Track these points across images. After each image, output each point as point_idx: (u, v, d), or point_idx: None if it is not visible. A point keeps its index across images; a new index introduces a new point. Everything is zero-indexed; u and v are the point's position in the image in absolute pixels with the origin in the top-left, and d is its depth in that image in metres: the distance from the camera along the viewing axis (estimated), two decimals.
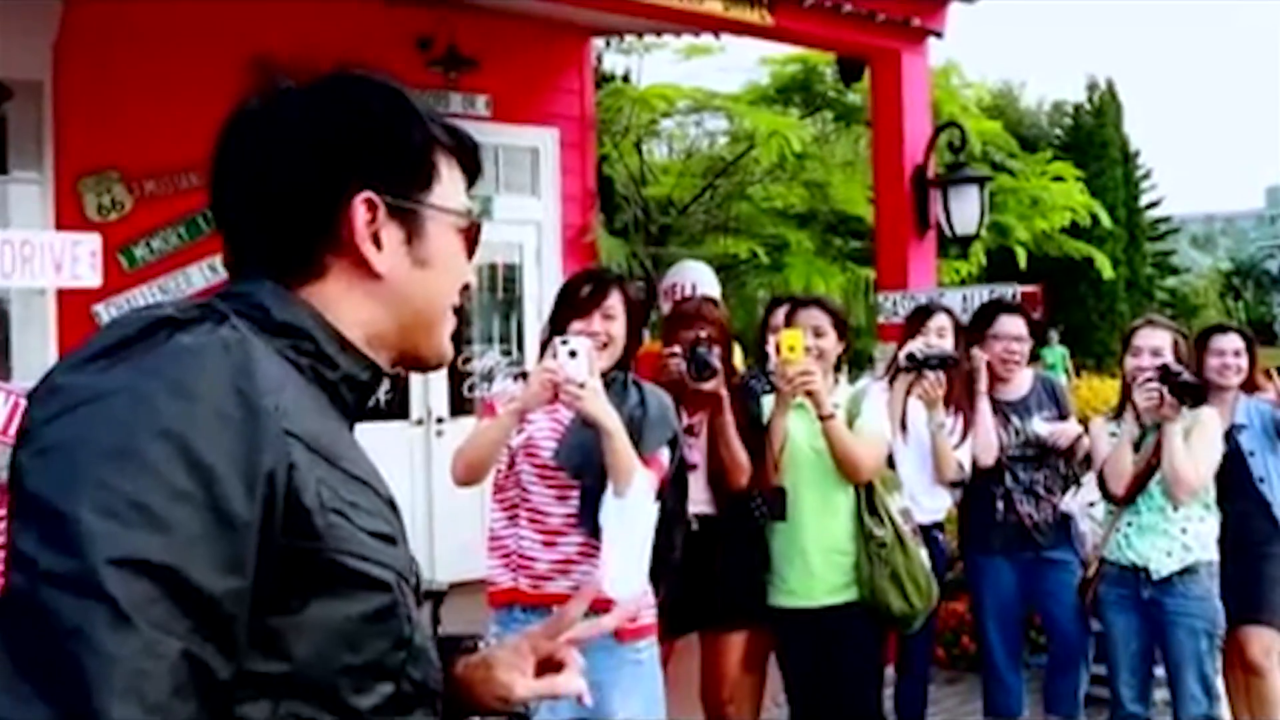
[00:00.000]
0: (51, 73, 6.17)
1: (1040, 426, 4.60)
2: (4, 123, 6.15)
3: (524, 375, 3.28)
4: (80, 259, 3.97)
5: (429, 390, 7.59)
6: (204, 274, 6.62)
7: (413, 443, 7.40)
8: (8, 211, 6.19)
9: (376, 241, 1.14)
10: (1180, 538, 4.08)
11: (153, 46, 6.33)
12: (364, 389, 1.18)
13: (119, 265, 6.31)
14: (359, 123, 1.15)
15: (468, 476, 3.25)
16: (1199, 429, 4.05)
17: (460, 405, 7.63)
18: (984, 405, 4.50)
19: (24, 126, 6.18)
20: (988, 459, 4.49)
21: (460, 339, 7.83)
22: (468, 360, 7.81)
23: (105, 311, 5.96)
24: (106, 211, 6.42)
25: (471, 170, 1.26)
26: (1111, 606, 4.19)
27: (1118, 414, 4.29)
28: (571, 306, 3.24)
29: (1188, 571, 4.05)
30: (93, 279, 4.01)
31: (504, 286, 8.11)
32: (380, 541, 1.06)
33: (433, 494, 7.45)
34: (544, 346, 3.22)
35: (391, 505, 1.13)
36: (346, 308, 1.15)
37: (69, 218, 6.15)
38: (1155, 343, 4.17)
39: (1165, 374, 3.99)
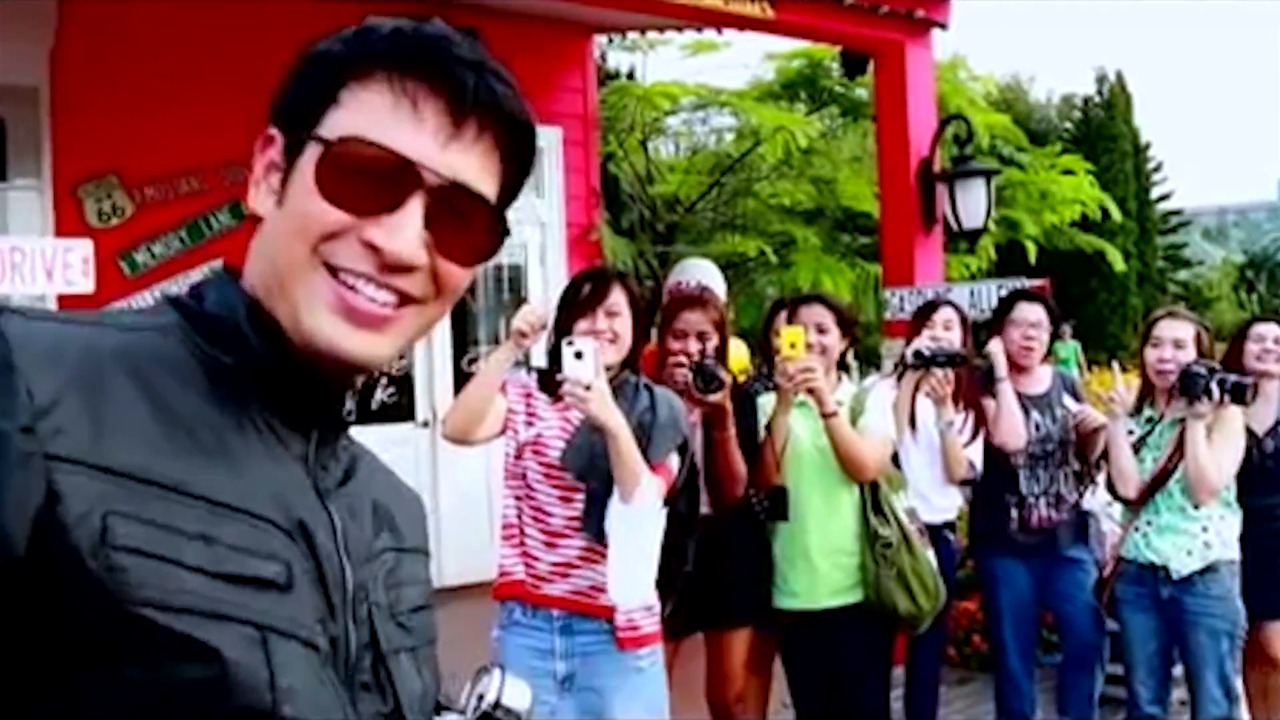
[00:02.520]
0: (49, 79, 6.13)
1: (1070, 403, 4.54)
2: (2, 129, 6.12)
3: (528, 365, 3.25)
4: (73, 265, 3.94)
5: (434, 391, 7.55)
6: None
7: (418, 444, 7.35)
8: (7, 219, 6.16)
9: (269, 181, 0.98)
10: (1201, 536, 3.99)
11: (151, 51, 6.29)
12: (316, 394, 0.96)
13: (120, 271, 6.28)
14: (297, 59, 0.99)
15: (454, 434, 3.22)
16: (1220, 426, 3.96)
17: None
18: (1006, 389, 4.41)
19: (22, 133, 6.14)
20: (1015, 443, 4.41)
21: (465, 339, 7.80)
22: (473, 361, 7.76)
23: None
24: (107, 217, 6.38)
25: (433, 80, 0.95)
26: (1129, 605, 4.11)
27: (1137, 410, 4.20)
28: (575, 306, 3.21)
29: (1209, 570, 3.97)
30: (85, 285, 3.97)
31: (509, 286, 8.06)
32: (244, 587, 0.84)
33: (438, 496, 7.40)
34: (551, 353, 3.18)
35: (299, 535, 0.90)
36: (248, 267, 0.98)
37: (69, 224, 6.11)
38: (1178, 334, 4.07)
39: (1210, 371, 3.89)
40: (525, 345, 3.22)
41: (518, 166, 1.01)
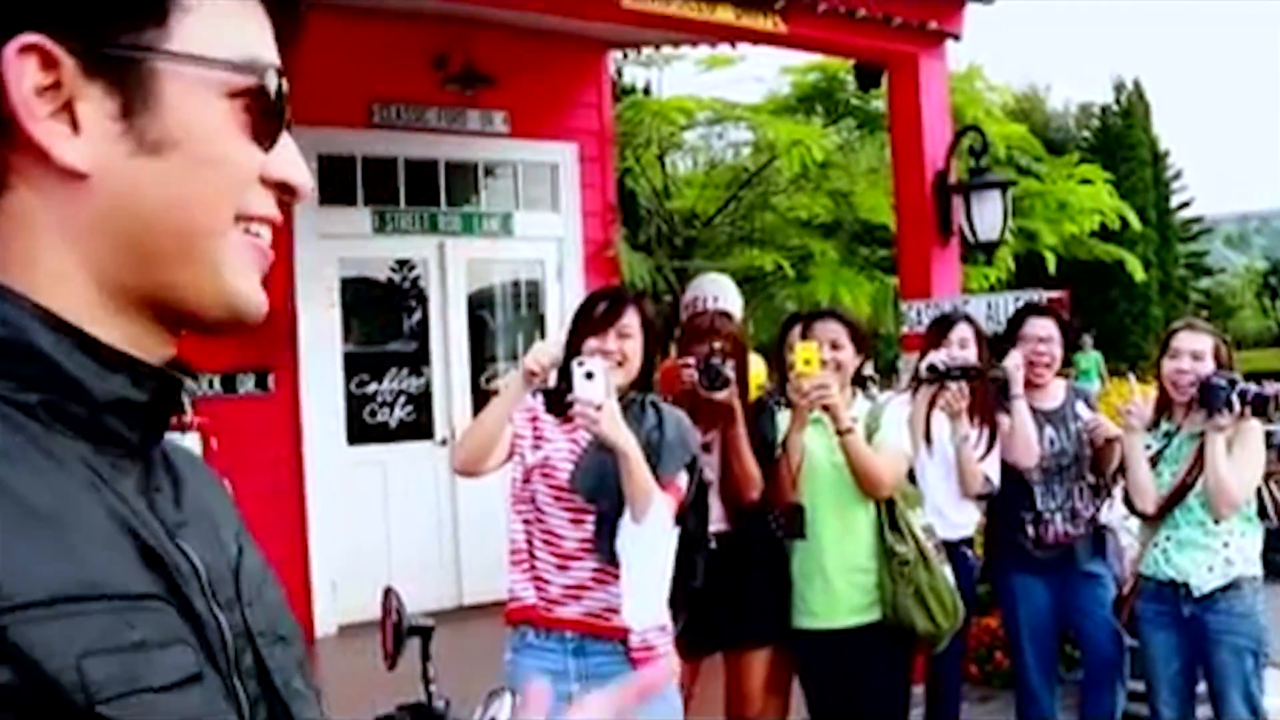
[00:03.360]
0: None
1: (1083, 411, 4.51)
2: None
3: (541, 390, 3.25)
4: None
5: (452, 409, 7.56)
6: None
7: (437, 463, 7.35)
8: None
9: (73, 120, 0.71)
10: (1222, 552, 3.92)
11: None
12: (148, 412, 0.76)
13: None
14: None
15: (464, 465, 3.22)
16: (1241, 439, 3.88)
17: None
18: (1021, 406, 4.38)
19: None
20: (1028, 460, 4.38)
21: (483, 357, 7.81)
22: (491, 378, 7.76)
23: None
24: None
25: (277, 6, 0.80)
26: (1150, 623, 4.04)
27: (1154, 423, 4.15)
28: (587, 324, 3.21)
29: (1231, 587, 3.89)
30: None
31: (526, 303, 8.08)
32: (185, 692, 0.69)
33: (458, 515, 7.42)
34: (561, 372, 3.17)
35: (179, 604, 0.72)
36: (43, 244, 0.72)
37: None
38: (1196, 346, 4.00)
39: (1230, 383, 3.84)
40: (535, 384, 3.22)
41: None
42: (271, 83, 0.77)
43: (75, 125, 0.71)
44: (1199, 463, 3.89)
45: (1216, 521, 3.90)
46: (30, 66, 0.70)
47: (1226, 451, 3.84)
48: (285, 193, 0.80)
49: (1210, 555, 3.92)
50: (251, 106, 0.77)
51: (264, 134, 0.78)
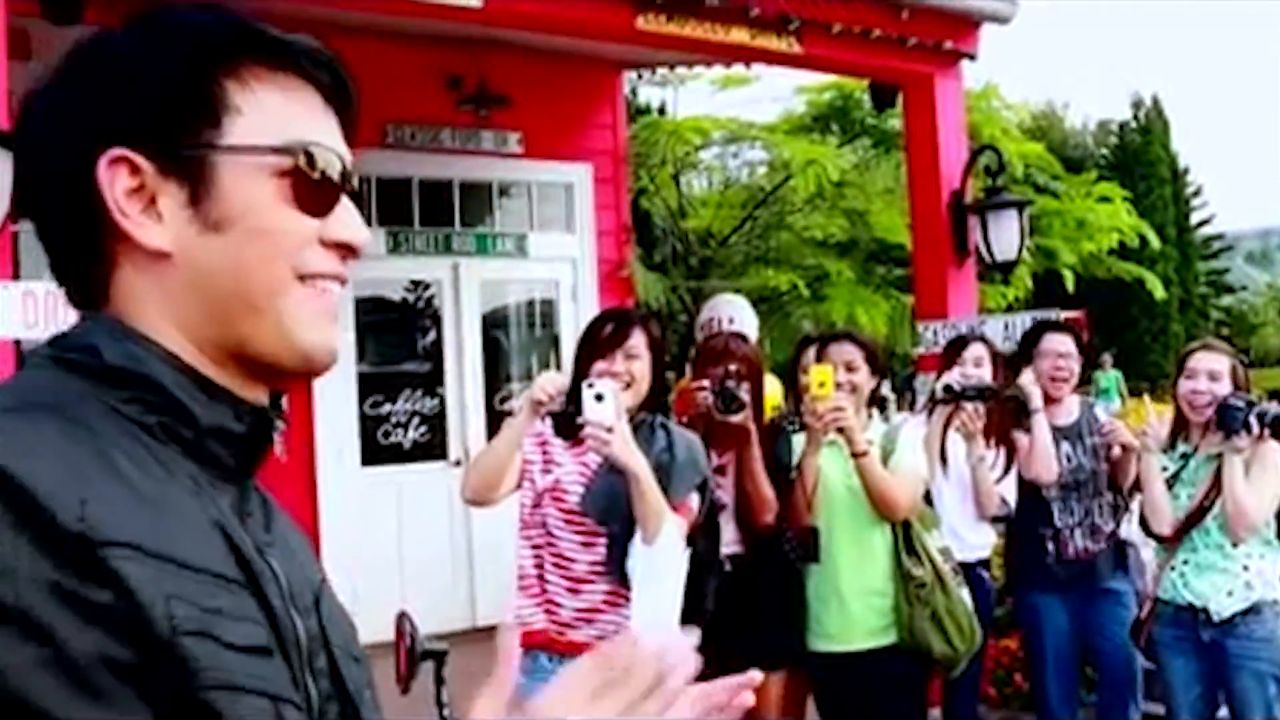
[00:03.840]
0: None
1: (1102, 414, 4.50)
2: None
3: (549, 413, 3.24)
4: None
5: (466, 430, 7.55)
6: None
7: (451, 484, 7.33)
8: (43, 261, 6.22)
9: (155, 211, 0.88)
10: (1242, 575, 3.86)
11: None
12: (244, 442, 0.92)
13: None
14: (95, 65, 0.90)
15: (475, 496, 3.24)
16: (1259, 461, 3.83)
17: None
18: (1041, 421, 4.35)
19: None
20: (1048, 476, 4.35)
21: (497, 378, 7.80)
22: (505, 399, 7.75)
23: None
24: None
25: (326, 85, 0.95)
26: (1169, 649, 3.98)
27: (1171, 445, 4.09)
28: (594, 346, 3.20)
29: (1251, 611, 3.84)
30: None
31: (540, 323, 8.07)
32: (254, 657, 0.82)
33: (472, 536, 7.40)
34: (570, 394, 3.16)
35: (259, 599, 0.86)
36: (153, 312, 0.89)
37: None
38: (1213, 366, 3.96)
39: (1248, 405, 3.80)
40: (542, 413, 3.21)
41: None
42: (316, 158, 0.92)
43: (158, 215, 0.88)
44: (1216, 485, 3.84)
45: (1235, 544, 3.85)
46: (121, 174, 0.88)
47: (1245, 473, 3.79)
48: (346, 251, 0.94)
49: (1229, 579, 3.87)
50: (297, 182, 0.91)
51: (312, 203, 0.92)
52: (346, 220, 0.94)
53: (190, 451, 0.89)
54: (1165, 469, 4.02)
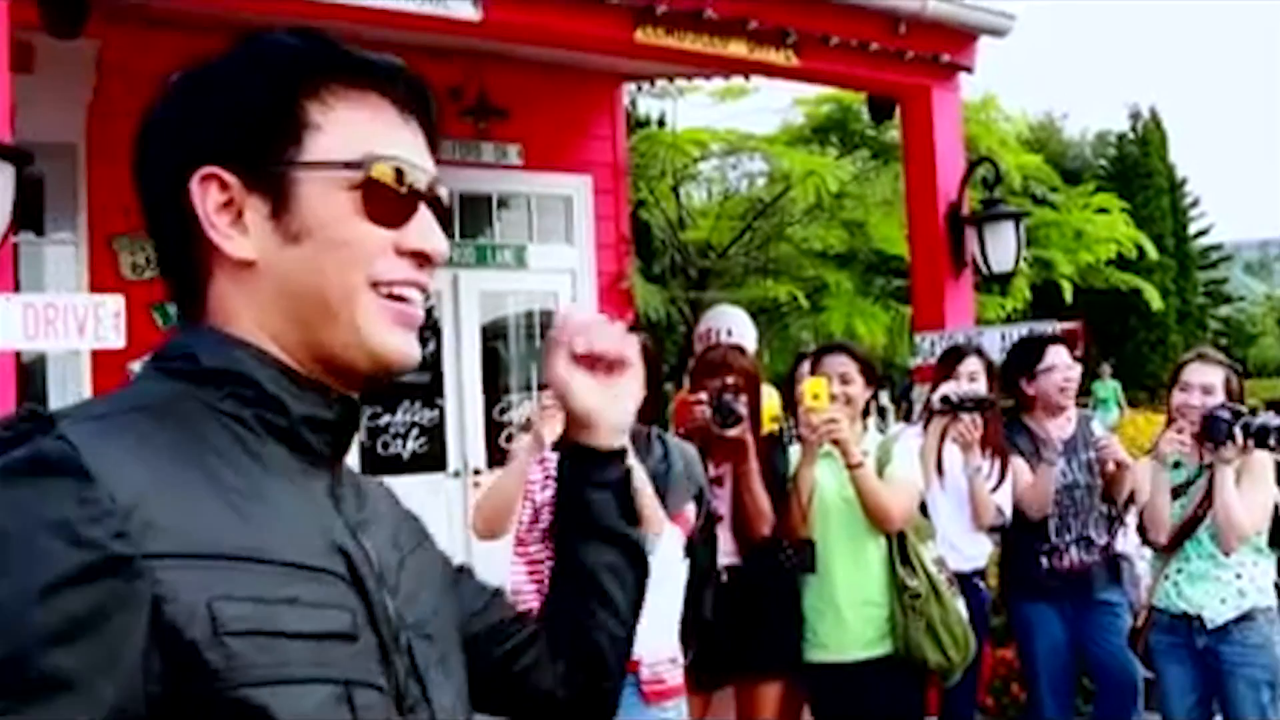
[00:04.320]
0: (86, 133, 6.25)
1: (1098, 428, 4.52)
2: (41, 185, 6.24)
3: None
4: (104, 320, 3.98)
5: (465, 441, 7.57)
6: None
7: (450, 495, 7.36)
8: (44, 272, 6.26)
9: (242, 225, 0.96)
10: (1235, 583, 3.89)
11: None
12: (334, 428, 0.99)
13: (155, 322, 6.35)
14: (194, 89, 0.97)
15: (487, 529, 3.24)
16: (1249, 471, 3.87)
17: (498, 457, 7.58)
18: (1052, 472, 4.38)
19: (59, 188, 6.26)
20: (1036, 516, 4.41)
21: (496, 389, 7.82)
22: (505, 410, 7.77)
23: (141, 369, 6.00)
24: (141, 270, 6.48)
25: (405, 100, 1.01)
26: (1164, 656, 4.01)
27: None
28: None
29: (1244, 619, 3.87)
30: (116, 340, 4.02)
31: (540, 335, 8.09)
32: (328, 643, 0.86)
33: (471, 548, 7.38)
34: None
35: (351, 581, 0.92)
36: (245, 316, 0.97)
37: (103, 276, 6.21)
38: (1207, 379, 3.98)
39: (1235, 414, 3.82)
40: (549, 444, 3.21)
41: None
42: (387, 171, 0.97)
43: (244, 228, 0.95)
44: (1209, 495, 3.86)
45: (1226, 554, 3.87)
46: (211, 190, 0.95)
47: (1235, 484, 3.81)
48: (423, 260, 0.99)
49: (1222, 587, 3.89)
50: (369, 195, 0.96)
51: (385, 215, 0.97)
52: (422, 230, 0.99)
53: (285, 440, 0.95)
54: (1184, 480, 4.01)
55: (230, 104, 0.96)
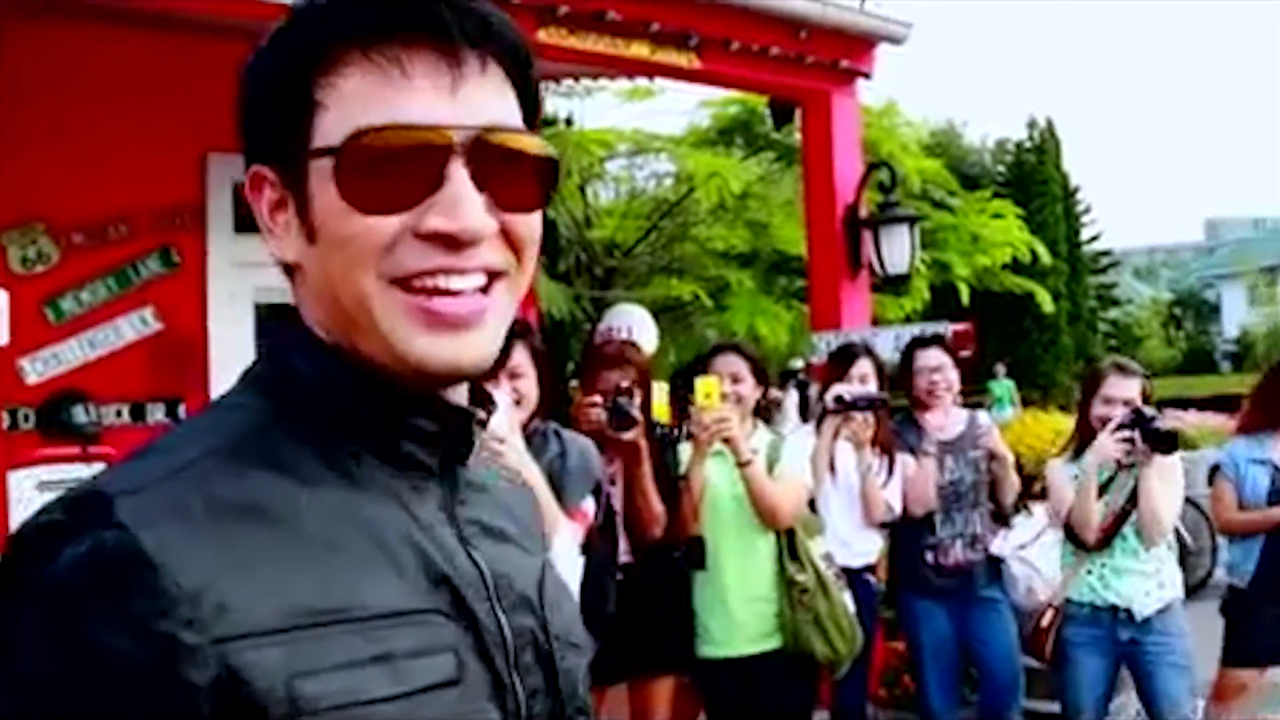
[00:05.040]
0: None
1: (983, 418, 4.68)
2: None
3: None
4: None
5: None
6: (134, 326, 6.49)
7: None
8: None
9: (285, 225, 0.88)
10: (1156, 576, 4.08)
11: (82, 95, 6.25)
12: (441, 440, 0.89)
13: (45, 318, 6.19)
14: (242, 75, 0.89)
15: None
16: (1164, 473, 4.05)
17: None
18: (930, 466, 4.51)
19: None
20: (920, 512, 4.52)
21: None
22: None
23: (30, 366, 5.85)
24: (31, 264, 6.31)
25: (410, 32, 0.82)
26: (1081, 648, 4.12)
27: (1076, 454, 4.23)
28: None
29: (1165, 610, 4.06)
30: (0, 337, 3.94)
31: None
32: (429, 694, 0.79)
33: None
34: None
35: (457, 612, 0.84)
36: (317, 324, 0.88)
37: None
38: (1129, 393, 4.12)
39: (1138, 419, 3.97)
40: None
41: (527, 98, 0.91)
42: (364, 148, 0.81)
43: (288, 228, 0.87)
44: (1134, 494, 4.02)
45: (1148, 549, 4.04)
46: (265, 190, 0.87)
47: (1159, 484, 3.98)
48: (448, 241, 0.82)
49: (1146, 580, 4.07)
50: (346, 181, 0.82)
51: (381, 198, 0.82)
52: (443, 204, 0.81)
53: (385, 457, 0.86)
54: (1076, 477, 4.13)
55: (256, 92, 0.87)
